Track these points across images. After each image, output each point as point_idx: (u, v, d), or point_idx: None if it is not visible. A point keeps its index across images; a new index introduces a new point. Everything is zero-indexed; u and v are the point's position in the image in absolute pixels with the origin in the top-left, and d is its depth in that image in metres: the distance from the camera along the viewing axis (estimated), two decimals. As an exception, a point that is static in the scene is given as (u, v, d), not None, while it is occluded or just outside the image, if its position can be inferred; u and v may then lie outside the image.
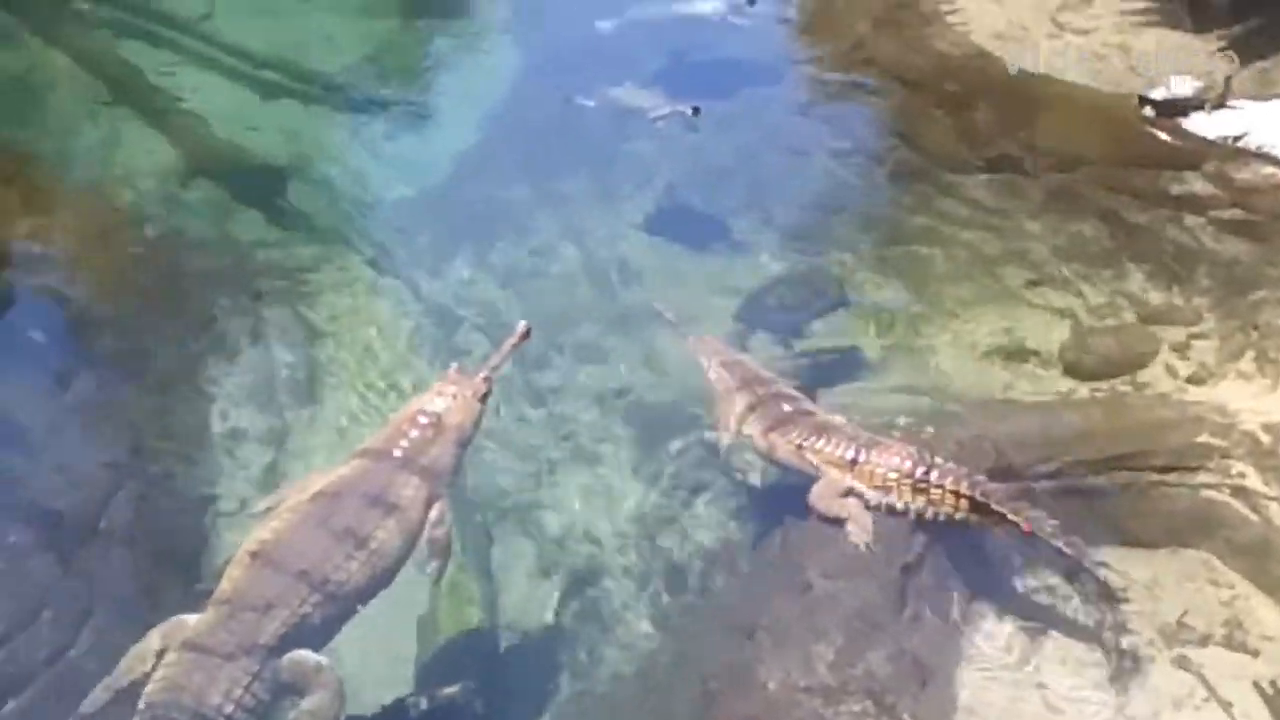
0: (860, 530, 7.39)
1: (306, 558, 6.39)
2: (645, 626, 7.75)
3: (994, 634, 7.53)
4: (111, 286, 9.55)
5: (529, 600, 7.94)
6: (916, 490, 7.41)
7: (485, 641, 7.56)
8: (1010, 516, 7.17)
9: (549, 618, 7.83)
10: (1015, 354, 9.31)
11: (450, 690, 7.14)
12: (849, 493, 7.52)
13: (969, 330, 9.54)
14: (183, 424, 8.70)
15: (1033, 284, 9.92)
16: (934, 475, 7.38)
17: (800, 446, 7.73)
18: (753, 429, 7.98)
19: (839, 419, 7.95)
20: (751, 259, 10.33)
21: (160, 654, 6.21)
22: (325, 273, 9.71)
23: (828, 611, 7.07)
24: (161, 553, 7.73)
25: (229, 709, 5.99)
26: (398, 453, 6.94)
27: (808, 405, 8.12)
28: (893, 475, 7.45)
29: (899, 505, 7.46)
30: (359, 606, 6.55)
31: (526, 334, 7.52)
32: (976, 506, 7.27)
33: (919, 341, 9.52)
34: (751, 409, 8.04)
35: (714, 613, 7.67)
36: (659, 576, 7.99)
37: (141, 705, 6.04)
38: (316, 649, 6.34)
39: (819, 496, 7.57)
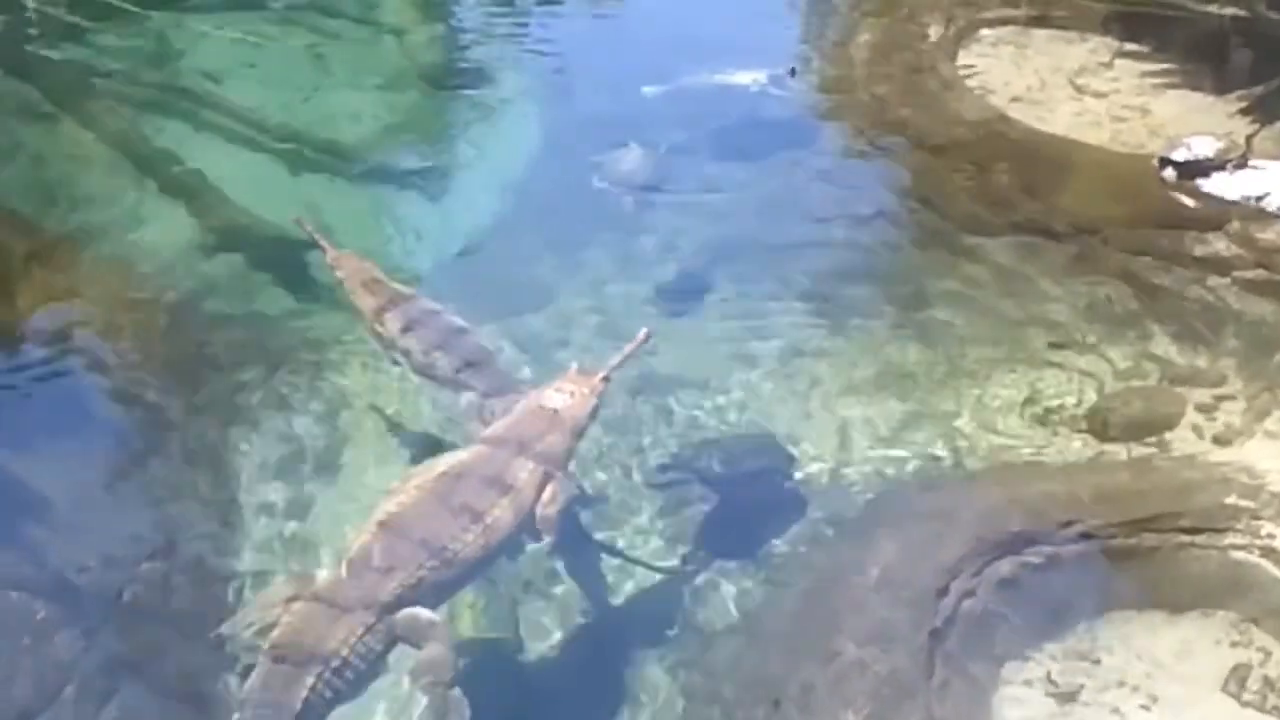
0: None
1: (427, 529, 7.01)
2: (670, 694, 7.70)
3: (1022, 699, 7.47)
4: (136, 360, 9.63)
5: (549, 669, 7.92)
6: None
7: (503, 716, 7.50)
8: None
9: (568, 691, 7.79)
10: (1039, 417, 9.26)
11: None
12: None
13: (992, 393, 9.52)
14: (207, 496, 8.72)
15: (1056, 346, 9.92)
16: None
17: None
18: (389, 328, 8.77)
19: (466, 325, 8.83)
20: (772, 325, 10.36)
21: (290, 601, 6.85)
22: (347, 344, 9.71)
23: (856, 679, 7.06)
24: (186, 626, 7.74)
25: (344, 653, 6.60)
26: (516, 440, 7.52)
27: (442, 310, 8.90)
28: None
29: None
30: (473, 574, 7.26)
31: (646, 338, 8.02)
32: None
33: (941, 405, 9.47)
34: (384, 310, 8.83)
35: (740, 681, 7.60)
36: (682, 645, 7.96)
37: (265, 645, 6.67)
38: (431, 608, 6.92)
39: None
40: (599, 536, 8.59)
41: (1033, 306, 10.36)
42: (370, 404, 9.49)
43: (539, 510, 7.38)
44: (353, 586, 6.83)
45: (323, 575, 7.05)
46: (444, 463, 7.47)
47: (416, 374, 8.89)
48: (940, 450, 9.12)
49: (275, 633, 6.73)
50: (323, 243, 9.32)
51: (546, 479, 7.45)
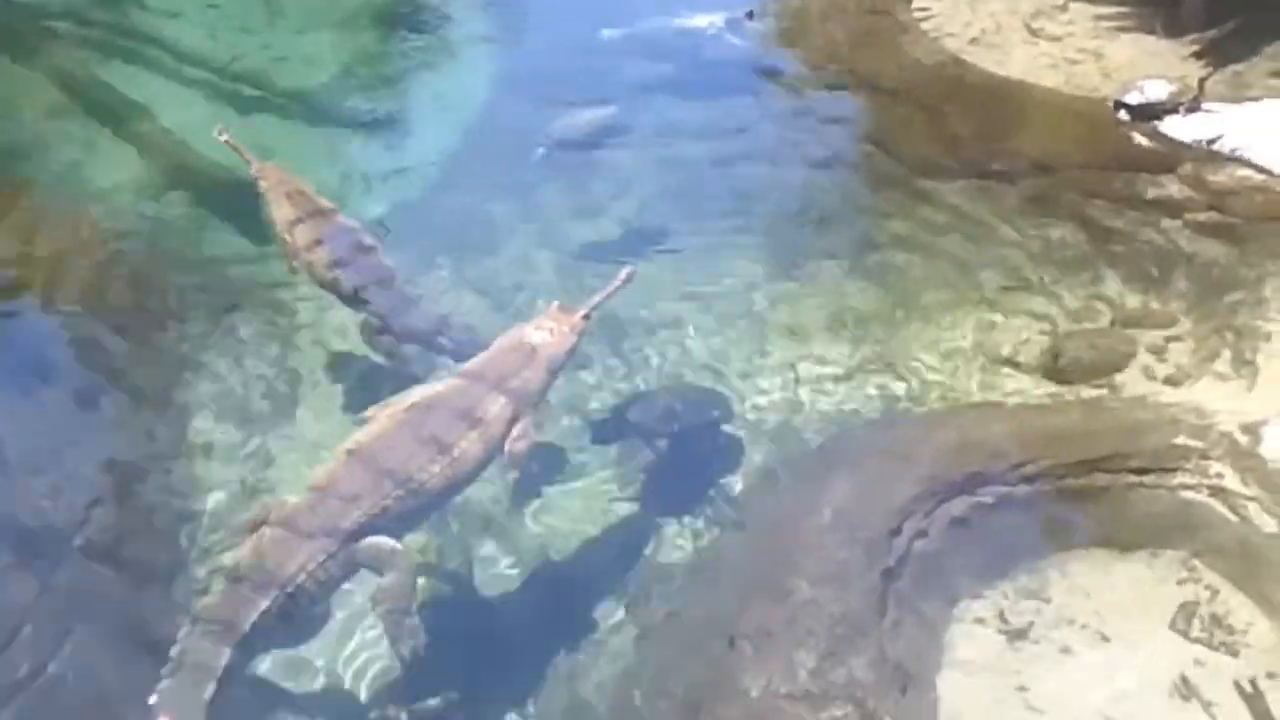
0: None
1: (394, 459, 7.12)
2: (627, 635, 7.75)
3: (974, 637, 7.51)
4: (87, 302, 9.56)
5: (508, 610, 7.95)
6: None
7: (464, 653, 7.55)
8: None
9: (528, 629, 7.83)
10: (992, 358, 9.30)
11: (431, 703, 7.25)
12: None
13: (945, 335, 9.53)
14: (160, 439, 8.69)
15: (1009, 289, 9.93)
16: None
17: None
18: (298, 240, 8.97)
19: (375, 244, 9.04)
20: (726, 268, 10.36)
21: (257, 525, 7.03)
22: (301, 286, 9.60)
23: (810, 618, 7.07)
24: (140, 568, 7.77)
25: (301, 579, 6.78)
26: (491, 374, 7.62)
27: (357, 228, 9.13)
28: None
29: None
30: (438, 504, 7.40)
31: (629, 278, 8.07)
32: None
33: (895, 347, 9.50)
34: (298, 222, 9.02)
35: (695, 620, 7.66)
36: (640, 585, 8.00)
37: (229, 564, 7.00)
38: (395, 537, 7.07)
39: None
40: (554, 477, 8.62)
41: (986, 249, 10.35)
42: (324, 346, 9.47)
43: (508, 445, 7.48)
44: (317, 513, 6.96)
45: (290, 501, 7.13)
46: (416, 394, 7.56)
47: (321, 288, 9.06)
48: (894, 392, 9.14)
49: (239, 554, 6.95)
50: (245, 155, 9.37)
51: (517, 415, 7.52)
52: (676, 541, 8.23)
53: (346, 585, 7.20)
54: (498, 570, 8.14)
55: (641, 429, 8.82)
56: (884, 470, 7.99)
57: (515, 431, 7.50)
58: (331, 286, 8.92)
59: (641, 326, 9.65)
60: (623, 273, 8.10)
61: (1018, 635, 7.52)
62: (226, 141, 9.40)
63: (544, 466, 8.48)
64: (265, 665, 7.40)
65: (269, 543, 6.89)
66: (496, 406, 7.47)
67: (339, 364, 9.35)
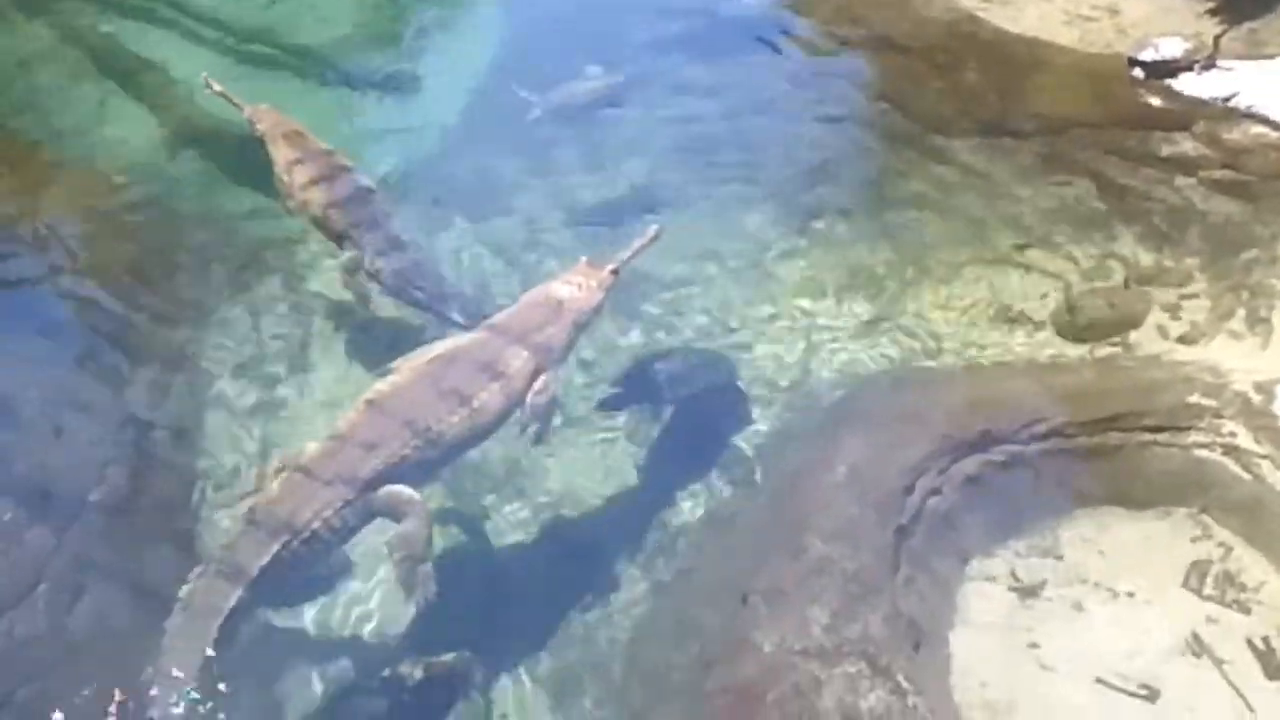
0: None
1: (414, 409, 7.23)
2: (640, 592, 7.79)
3: (987, 595, 7.53)
4: (102, 260, 9.57)
5: (523, 566, 8.01)
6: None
7: (479, 607, 7.61)
8: None
9: (542, 584, 7.89)
10: (1005, 317, 9.29)
11: (445, 659, 7.26)
12: None
13: (959, 294, 9.52)
14: (175, 397, 8.70)
15: (1023, 247, 9.85)
16: None
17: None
18: (296, 179, 9.14)
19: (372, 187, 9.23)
20: (738, 226, 10.29)
21: (278, 472, 7.15)
22: (315, 244, 9.60)
23: (823, 575, 7.08)
24: (155, 525, 7.82)
25: (316, 525, 6.87)
26: (515, 328, 7.73)
27: (353, 170, 9.27)
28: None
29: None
30: (457, 454, 7.50)
31: (658, 235, 8.24)
32: None
33: (908, 305, 9.48)
34: (298, 162, 9.19)
35: (709, 577, 7.68)
36: (654, 542, 8.04)
37: (245, 510, 7.05)
38: (413, 487, 7.15)
39: None
40: (569, 435, 8.62)
41: (1000, 207, 10.27)
42: (339, 304, 9.42)
43: (529, 398, 7.56)
44: (335, 461, 7.05)
45: (310, 449, 7.19)
46: (440, 347, 7.69)
47: (314, 226, 9.21)
48: (907, 350, 9.13)
49: (256, 500, 7.06)
50: (235, 100, 9.55)
51: (540, 369, 7.61)
52: (690, 499, 8.24)
53: (363, 534, 7.27)
54: (512, 525, 8.19)
55: (654, 388, 8.82)
56: (897, 428, 7.98)
57: (537, 385, 7.57)
58: (323, 225, 9.04)
59: (654, 284, 9.60)
60: (651, 229, 8.24)
61: (1029, 593, 7.54)
62: (216, 91, 9.62)
63: (559, 424, 8.42)
64: (278, 615, 7.53)
65: (286, 488, 6.98)
66: (519, 360, 7.55)
67: (354, 322, 9.31)
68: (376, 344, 8.99)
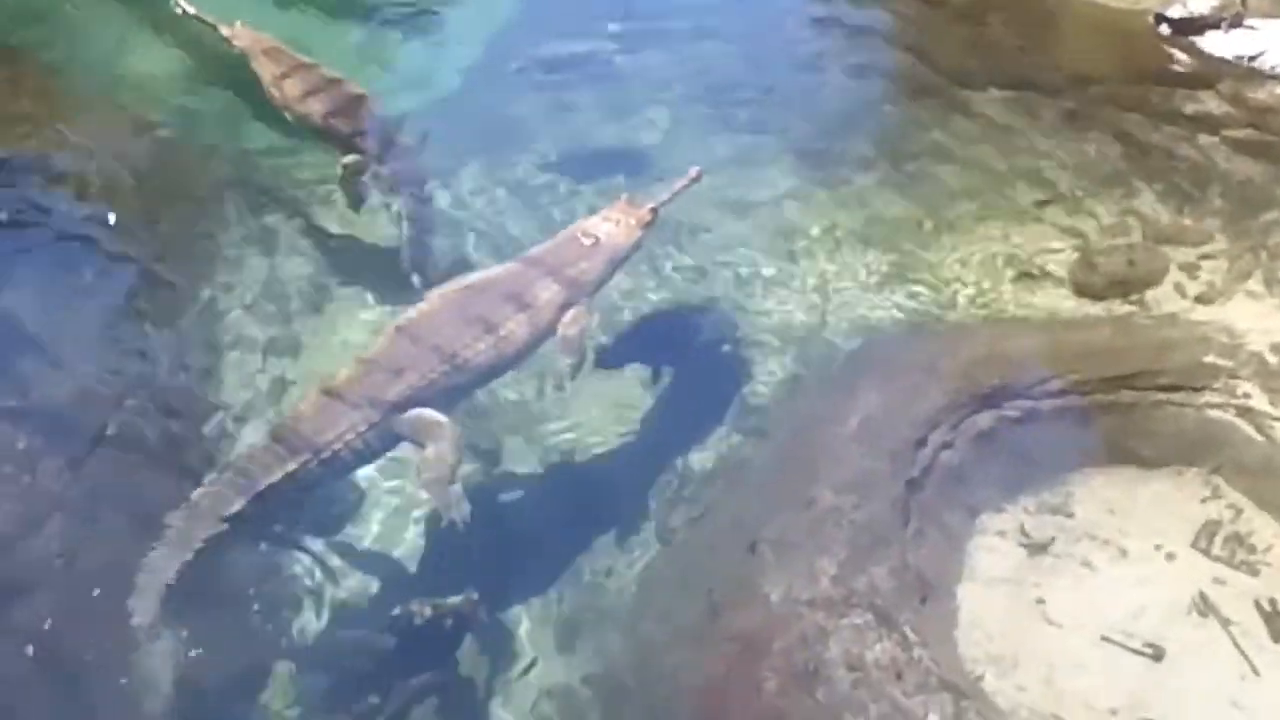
0: None
1: (441, 336, 7.41)
2: (649, 539, 7.83)
3: (995, 549, 7.54)
4: (121, 194, 9.49)
5: (533, 510, 8.06)
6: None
7: (487, 552, 7.62)
8: None
9: (552, 529, 7.94)
10: (1023, 272, 9.23)
11: (453, 600, 7.27)
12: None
13: (977, 247, 9.46)
14: (191, 332, 8.72)
15: (1043, 202, 9.77)
16: None
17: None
18: (289, 92, 9.55)
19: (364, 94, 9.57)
20: (758, 174, 10.21)
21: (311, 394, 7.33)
22: (334, 181, 9.56)
23: (832, 526, 7.09)
24: (168, 459, 7.85)
25: (337, 446, 7.06)
26: (549, 262, 7.89)
27: (342, 79, 9.67)
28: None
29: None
30: (483, 382, 7.70)
31: (697, 177, 8.39)
32: None
33: (926, 258, 9.43)
34: (286, 76, 9.64)
35: (718, 526, 7.69)
36: (663, 489, 8.08)
37: (268, 428, 7.39)
38: (442, 410, 7.32)
39: None
40: (583, 381, 8.44)
41: (1022, 161, 10.19)
42: (357, 241, 9.47)
43: (560, 331, 7.74)
44: (363, 384, 7.24)
45: (341, 373, 7.36)
46: (473, 277, 7.92)
47: (316, 135, 9.55)
48: (923, 302, 9.11)
49: (280, 420, 7.39)
50: (210, 20, 9.96)
51: (570, 302, 7.78)
52: (701, 448, 8.28)
53: (373, 469, 7.58)
54: (523, 468, 8.27)
55: (669, 335, 8.87)
56: (911, 381, 7.94)
57: (567, 318, 7.73)
58: (326, 133, 9.41)
59: (671, 232, 9.51)
60: (691, 171, 8.39)
61: (1039, 549, 7.56)
62: (188, 13, 9.99)
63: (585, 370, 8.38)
64: (289, 542, 7.72)
65: (313, 408, 7.18)
66: (549, 292, 7.73)
67: (371, 260, 9.33)
68: (390, 282, 9.00)
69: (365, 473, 7.81)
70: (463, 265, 8.87)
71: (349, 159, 9.20)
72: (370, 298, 9.15)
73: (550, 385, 8.29)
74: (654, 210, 8.26)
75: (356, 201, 9.33)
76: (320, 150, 9.67)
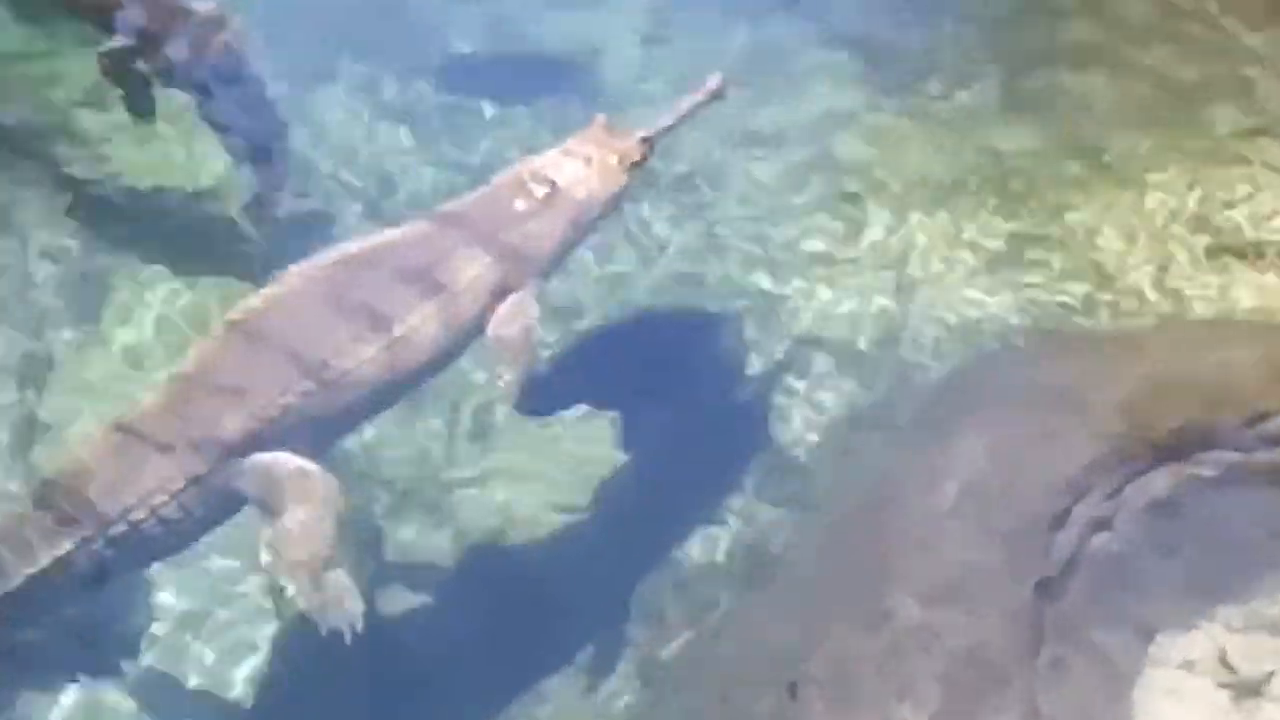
0: None
1: (303, 336, 7.06)
2: (625, 676, 7.89)
3: (1182, 692, 7.29)
4: None
5: (441, 627, 8.06)
6: None
7: (380, 692, 7.64)
8: None
9: (474, 657, 7.85)
10: (1220, 243, 9.15)
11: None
12: None
13: (1144, 205, 9.46)
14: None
15: (1252, 132, 9.80)
16: None
17: None
18: None
19: None
20: (810, 88, 10.32)
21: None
22: (113, 112, 9.41)
23: (918, 654, 6.87)
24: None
25: (138, 515, 6.67)
26: (477, 221, 7.62)
27: None
28: None
29: None
30: (373, 408, 7.37)
31: (718, 90, 8.05)
32: None
33: (1066, 223, 9.41)
34: None
35: (735, 656, 7.56)
36: (647, 597, 8.10)
37: (26, 489, 7.32)
38: (308, 453, 6.98)
39: None
40: (538, 415, 8.63)
41: (1216, 68, 10.23)
42: (159, 194, 9.39)
43: (492, 330, 7.42)
44: (178, 416, 6.85)
45: (143, 399, 7.01)
46: (351, 246, 7.58)
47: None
48: (1059, 296, 9.06)
49: (51, 473, 6.94)
50: None
51: (508, 283, 7.48)
52: (708, 529, 8.22)
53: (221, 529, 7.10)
54: (425, 557, 8.29)
55: (657, 349, 8.85)
56: (1042, 422, 7.65)
57: (503, 310, 7.46)
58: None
59: (679, 183, 9.68)
60: (710, 81, 8.04)
61: (1250, 690, 7.29)
62: None
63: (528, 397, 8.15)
64: (52, 697, 7.60)
65: (98, 457, 6.78)
66: (474, 268, 7.40)
67: (185, 221, 9.29)
68: (216, 253, 9.09)
69: (189, 556, 7.51)
70: (327, 232, 8.88)
71: (108, 46, 8.95)
72: (181, 279, 9.06)
73: (469, 419, 8.25)
74: (646, 142, 7.94)
75: (141, 112, 9.09)
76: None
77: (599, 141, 7.90)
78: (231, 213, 8.88)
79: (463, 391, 8.05)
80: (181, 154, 9.37)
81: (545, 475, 8.42)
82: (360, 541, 8.07)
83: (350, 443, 8.00)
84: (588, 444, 8.52)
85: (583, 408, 8.63)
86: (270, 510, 6.92)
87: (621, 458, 8.49)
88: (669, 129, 8.05)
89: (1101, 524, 7.35)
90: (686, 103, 8.04)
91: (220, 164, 9.10)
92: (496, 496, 8.33)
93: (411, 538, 8.20)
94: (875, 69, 10.32)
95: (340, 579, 6.89)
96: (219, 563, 7.89)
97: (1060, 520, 7.24)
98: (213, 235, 9.04)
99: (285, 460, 6.90)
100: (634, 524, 8.23)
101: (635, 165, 7.91)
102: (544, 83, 10.15)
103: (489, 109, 10.08)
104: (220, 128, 8.98)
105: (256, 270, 7.86)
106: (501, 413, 7.99)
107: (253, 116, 8.94)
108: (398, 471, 8.40)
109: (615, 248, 9.36)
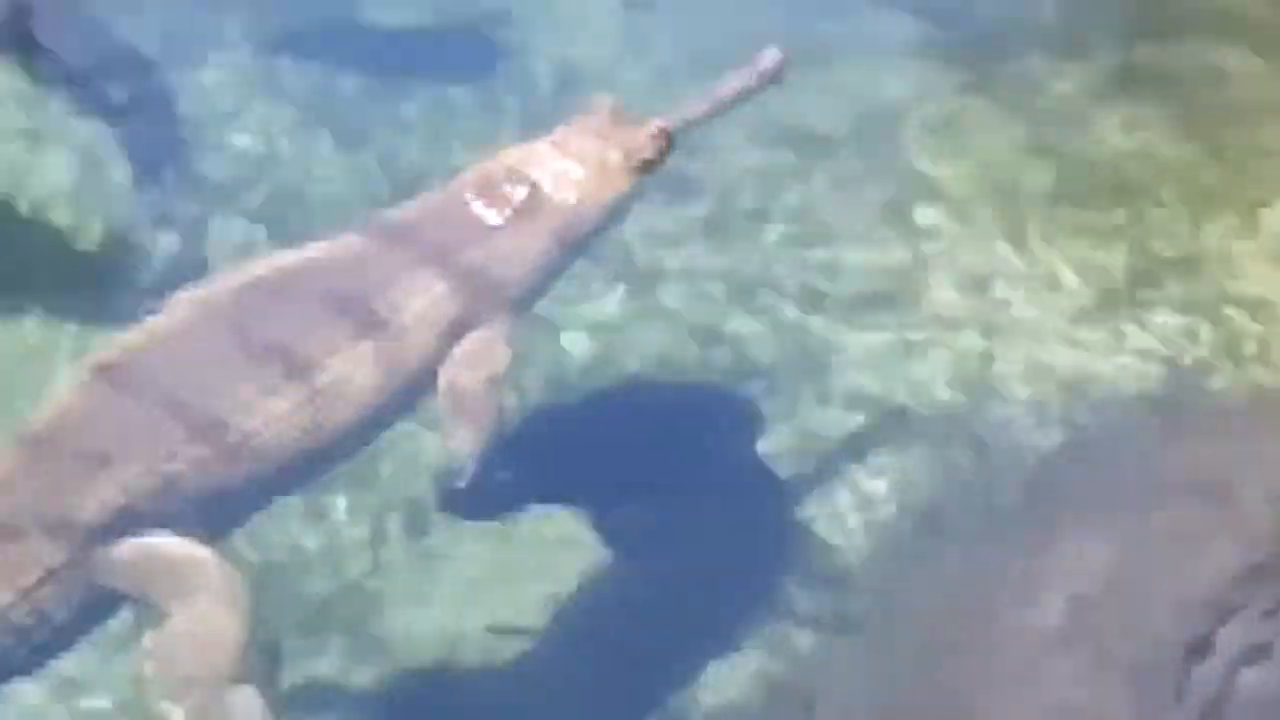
0: None
1: (196, 383, 6.90)
2: None
3: None
4: None
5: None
6: None
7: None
8: None
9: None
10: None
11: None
12: None
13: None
14: None
15: None
16: None
17: None
18: None
19: None
20: (877, 74, 10.49)
21: None
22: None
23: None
24: None
25: None
26: (429, 233, 7.51)
27: None
28: None
29: None
30: (288, 482, 7.19)
31: (775, 71, 7.78)
32: None
33: (1206, 241, 9.58)
34: None
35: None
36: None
37: None
38: (203, 537, 6.78)
39: None
40: (510, 502, 8.59)
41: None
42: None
43: (445, 376, 7.27)
44: (33, 490, 6.73)
45: None
46: (260, 266, 7.52)
47: None
48: (1196, 344, 9.21)
49: None
50: None
51: (470, 318, 7.36)
52: (729, 663, 8.14)
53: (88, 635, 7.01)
54: (371, 685, 8.15)
55: (673, 416, 9.03)
56: (1174, 519, 7.71)
57: (462, 353, 7.35)
58: None
59: (702, 189, 9.86)
60: (764, 58, 7.79)
61: None
62: None
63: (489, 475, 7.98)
64: None
65: None
66: (423, 298, 7.28)
67: (40, 236, 9.49)
68: (80, 276, 9.41)
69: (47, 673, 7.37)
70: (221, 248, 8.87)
71: None
72: (36, 310, 9.20)
73: (406, 506, 8.28)
74: (663, 135, 7.67)
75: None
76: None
77: (600, 131, 7.70)
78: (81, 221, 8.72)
79: (402, 466, 7.82)
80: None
81: (504, 587, 8.22)
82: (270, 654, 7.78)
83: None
84: (563, 546, 8.41)
85: (558, 495, 8.41)
86: (156, 606, 6.79)
87: (606, 565, 8.40)
88: (700, 120, 7.81)
89: (1257, 653, 7.30)
90: (729, 87, 7.76)
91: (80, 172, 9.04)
92: (438, 615, 8.14)
93: (327, 670, 7.93)
94: (947, 44, 10.30)
95: (247, 701, 6.72)
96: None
97: (1200, 649, 7.22)
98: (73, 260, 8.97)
99: (171, 546, 6.74)
100: (620, 655, 8.20)
101: (647, 164, 7.65)
102: (490, 62, 10.11)
103: (419, 98, 10.00)
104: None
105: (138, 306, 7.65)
106: (451, 497, 7.77)
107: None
108: (309, 579, 8.17)
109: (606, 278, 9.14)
